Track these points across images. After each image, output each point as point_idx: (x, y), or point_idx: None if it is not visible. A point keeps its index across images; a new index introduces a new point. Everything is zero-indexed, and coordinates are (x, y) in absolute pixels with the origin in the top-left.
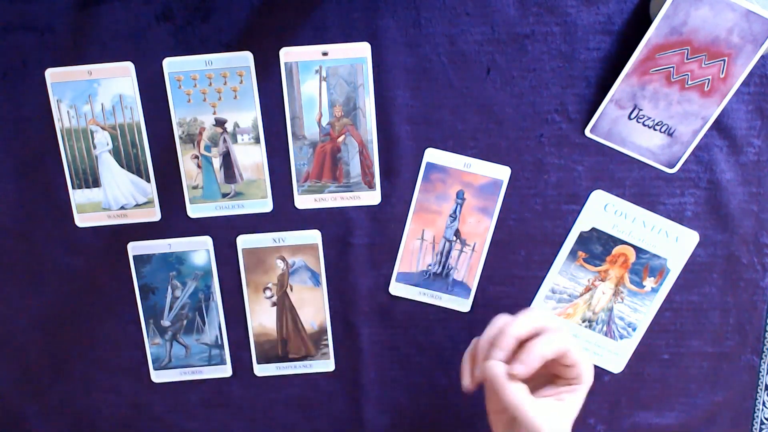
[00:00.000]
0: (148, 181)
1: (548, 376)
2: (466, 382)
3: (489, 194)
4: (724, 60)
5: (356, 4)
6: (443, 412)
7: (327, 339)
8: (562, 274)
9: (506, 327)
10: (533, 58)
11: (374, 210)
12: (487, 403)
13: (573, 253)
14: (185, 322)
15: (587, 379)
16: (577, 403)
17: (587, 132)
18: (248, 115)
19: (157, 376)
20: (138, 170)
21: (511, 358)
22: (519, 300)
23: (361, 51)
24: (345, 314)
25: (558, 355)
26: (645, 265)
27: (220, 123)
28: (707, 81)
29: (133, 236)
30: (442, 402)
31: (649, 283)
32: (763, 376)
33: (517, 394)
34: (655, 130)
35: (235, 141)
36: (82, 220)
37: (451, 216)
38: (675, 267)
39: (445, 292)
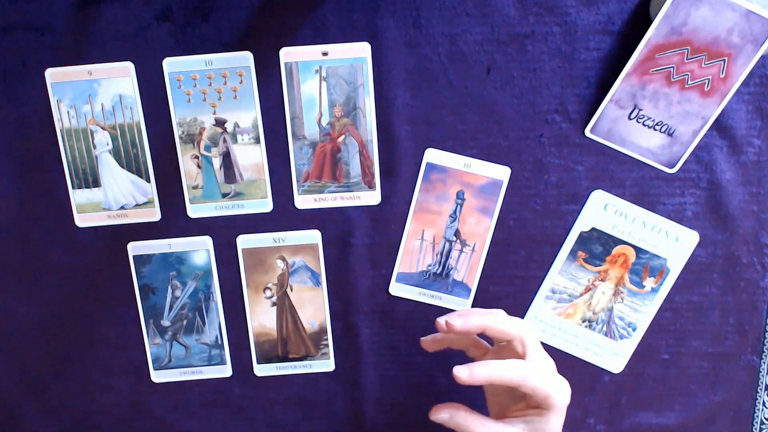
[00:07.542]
0: (148, 181)
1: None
2: (427, 340)
3: (489, 194)
4: (724, 60)
5: (356, 4)
6: None
7: (327, 339)
8: (562, 274)
9: (484, 314)
10: (533, 58)
11: (374, 210)
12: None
13: (573, 253)
14: (185, 322)
15: (558, 404)
16: (548, 428)
17: (587, 132)
18: (248, 115)
19: (157, 376)
20: (138, 170)
21: (470, 345)
22: (519, 300)
23: (361, 51)
24: (345, 314)
25: (511, 384)
26: (645, 265)
27: (220, 123)
28: (707, 81)
29: (133, 236)
30: (442, 402)
31: (649, 283)
32: (763, 376)
33: (481, 423)
34: (655, 130)
35: (235, 141)
36: (82, 220)
37: (451, 216)
38: (675, 267)
39: (445, 293)
